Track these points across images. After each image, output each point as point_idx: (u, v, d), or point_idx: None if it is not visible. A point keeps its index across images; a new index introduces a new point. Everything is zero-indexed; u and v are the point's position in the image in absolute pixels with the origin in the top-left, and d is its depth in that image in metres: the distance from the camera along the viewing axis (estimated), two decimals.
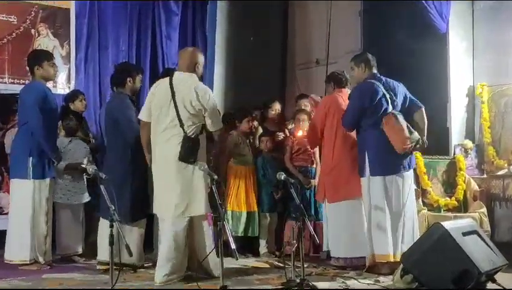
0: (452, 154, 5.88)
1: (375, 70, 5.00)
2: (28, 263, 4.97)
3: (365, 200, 4.91)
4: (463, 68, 6.14)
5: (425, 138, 4.94)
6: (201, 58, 4.69)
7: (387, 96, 4.86)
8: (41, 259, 5.00)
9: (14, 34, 6.29)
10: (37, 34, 6.42)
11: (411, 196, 4.86)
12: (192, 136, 4.45)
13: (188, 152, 4.41)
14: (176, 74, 4.60)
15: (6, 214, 6.04)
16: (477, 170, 5.91)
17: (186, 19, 7.54)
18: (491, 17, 6.06)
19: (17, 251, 5.00)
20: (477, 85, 6.08)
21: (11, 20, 6.28)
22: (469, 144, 5.95)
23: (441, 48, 6.10)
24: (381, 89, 4.85)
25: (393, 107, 4.86)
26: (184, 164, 4.42)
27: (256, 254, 5.89)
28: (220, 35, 7.63)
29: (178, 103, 4.44)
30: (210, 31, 7.58)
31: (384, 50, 6.54)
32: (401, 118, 4.78)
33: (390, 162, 4.78)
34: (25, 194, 4.99)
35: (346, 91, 5.31)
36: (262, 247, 6.01)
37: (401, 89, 5.01)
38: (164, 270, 4.35)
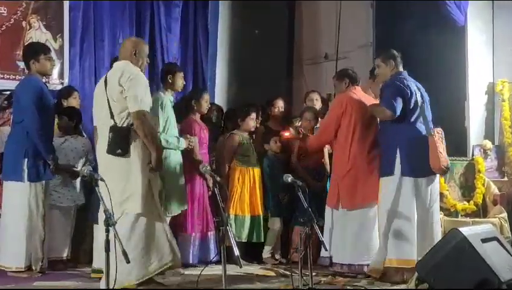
0: (470, 156, 5.87)
1: (401, 68, 5.06)
2: (23, 270, 4.96)
3: (385, 201, 4.89)
4: (482, 63, 6.13)
5: None
6: (141, 47, 4.52)
7: (419, 94, 4.93)
8: (35, 266, 5.00)
9: (4, 26, 6.29)
10: (28, 26, 6.42)
11: (437, 199, 4.92)
12: (123, 126, 4.27)
13: (115, 143, 4.23)
14: (114, 64, 4.54)
15: None
16: (497, 172, 5.90)
17: (188, 10, 7.55)
18: None
19: (13, 257, 4.99)
20: (498, 81, 6.07)
21: (0, 12, 6.29)
22: (488, 144, 5.93)
23: (459, 42, 6.10)
24: (413, 86, 4.94)
25: (425, 107, 4.94)
26: (116, 157, 4.24)
27: (261, 260, 5.90)
28: (222, 28, 7.66)
29: (108, 92, 4.32)
30: (212, 24, 7.60)
31: (397, 44, 6.49)
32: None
33: (423, 163, 4.81)
34: (20, 197, 4.99)
35: (359, 89, 5.31)
36: (266, 252, 6.01)
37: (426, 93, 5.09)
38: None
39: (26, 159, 4.99)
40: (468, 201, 5.54)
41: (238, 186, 5.89)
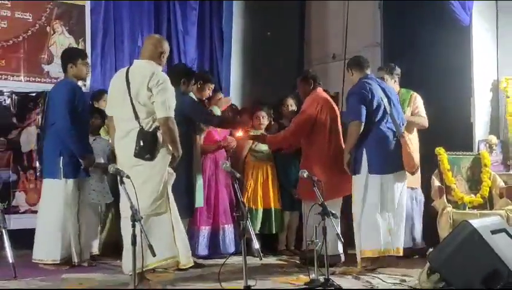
0: (476, 150, 5.83)
1: (368, 72, 5.21)
2: (59, 262, 5.00)
3: (356, 197, 5.05)
4: (487, 62, 6.08)
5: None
6: (166, 47, 4.40)
7: (384, 96, 5.05)
8: (76, 259, 5.05)
9: (29, 31, 6.33)
10: (52, 31, 6.46)
11: (404, 194, 5.11)
12: (150, 130, 4.17)
13: (144, 148, 4.13)
14: (135, 62, 4.38)
15: (23, 213, 6.13)
16: (502, 166, 5.86)
17: (204, 13, 7.57)
18: None
19: (49, 251, 5.02)
20: (502, 79, 6.01)
21: (26, 17, 6.32)
22: (494, 139, 5.89)
23: (464, 41, 6.04)
24: (377, 88, 5.05)
25: (391, 108, 5.04)
26: (141, 160, 4.15)
27: (275, 252, 5.90)
28: (236, 30, 7.66)
29: (132, 93, 4.17)
30: (226, 26, 7.59)
31: (405, 43, 6.51)
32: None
33: (389, 161, 4.97)
34: (57, 194, 5.03)
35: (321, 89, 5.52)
36: (281, 244, 6.03)
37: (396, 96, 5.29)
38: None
39: (61, 158, 5.03)
40: (475, 194, 5.49)
41: (252, 180, 5.91)
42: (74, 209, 5.07)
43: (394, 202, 5.02)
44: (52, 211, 5.05)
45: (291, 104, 6.28)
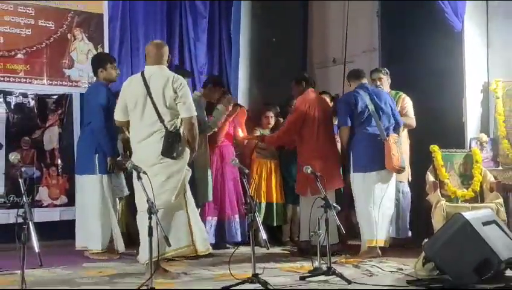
0: (468, 148, 5.82)
1: (363, 81, 5.47)
2: (100, 251, 5.09)
3: (353, 193, 5.34)
4: (478, 65, 6.05)
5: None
6: (167, 51, 4.42)
7: (371, 102, 5.25)
8: (119, 247, 5.16)
9: (51, 38, 6.33)
10: (73, 38, 6.47)
11: (390, 191, 5.29)
12: (175, 131, 4.21)
13: (171, 148, 4.18)
14: (149, 68, 4.32)
15: (47, 207, 6.17)
16: (492, 162, 5.84)
17: (214, 21, 7.57)
18: (505, 15, 5.97)
19: (92, 241, 5.13)
20: (492, 81, 6.00)
21: (49, 25, 6.34)
22: (484, 137, 5.88)
23: (456, 46, 6.02)
24: (365, 95, 5.27)
25: (378, 113, 5.24)
26: (167, 160, 4.17)
27: (279, 243, 5.93)
28: (244, 36, 7.65)
29: (154, 97, 4.18)
30: (234, 33, 7.60)
31: (401, 48, 6.51)
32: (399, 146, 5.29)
33: (372, 160, 5.18)
34: (94, 188, 5.12)
35: (313, 90, 5.61)
36: (285, 235, 6.06)
37: (389, 100, 5.45)
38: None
39: (97, 155, 5.11)
40: (467, 188, 5.48)
41: (257, 176, 5.93)
42: (110, 202, 5.15)
43: (379, 198, 5.17)
44: (91, 204, 5.14)
45: None
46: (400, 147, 5.29)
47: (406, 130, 5.76)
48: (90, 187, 5.15)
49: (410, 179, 5.82)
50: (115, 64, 5.42)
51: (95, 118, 5.11)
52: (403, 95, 5.83)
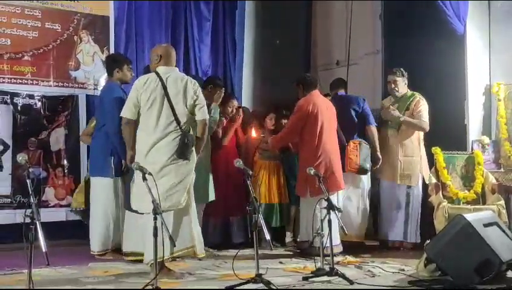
0: (470, 150, 5.82)
1: (339, 91, 5.93)
2: (102, 253, 5.08)
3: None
4: (480, 68, 6.07)
5: (378, 153, 5.70)
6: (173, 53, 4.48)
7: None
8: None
9: (58, 40, 6.36)
10: (79, 40, 6.49)
11: (350, 192, 5.69)
12: (189, 133, 4.25)
13: (186, 149, 4.21)
14: (162, 69, 4.32)
15: (53, 207, 6.20)
16: (494, 164, 5.84)
17: (218, 24, 7.59)
18: (507, 18, 5.98)
19: (101, 242, 5.10)
20: (494, 84, 6.01)
21: (55, 28, 6.36)
22: (486, 139, 5.89)
23: (459, 49, 6.03)
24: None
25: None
26: (178, 161, 4.20)
27: (283, 244, 5.93)
28: (248, 39, 7.68)
29: (172, 98, 4.20)
30: (238, 35, 7.62)
31: (404, 51, 6.51)
32: (364, 148, 5.56)
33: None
34: (107, 190, 5.08)
35: (317, 92, 5.59)
36: (288, 237, 6.06)
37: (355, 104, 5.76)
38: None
39: (112, 158, 5.04)
40: (469, 190, 5.49)
41: (258, 177, 5.91)
42: (120, 204, 5.09)
43: (341, 197, 5.52)
44: (100, 205, 5.12)
45: None
46: (360, 151, 5.51)
47: (420, 133, 5.71)
48: (101, 189, 5.11)
49: (419, 182, 5.72)
50: (131, 66, 5.39)
51: (110, 120, 4.94)
52: (418, 97, 5.75)
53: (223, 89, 5.59)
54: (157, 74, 4.30)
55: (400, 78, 5.77)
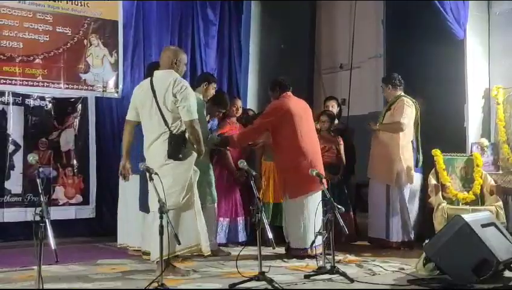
0: (469, 152, 5.83)
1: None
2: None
3: None
4: (479, 72, 6.07)
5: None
6: (182, 56, 4.37)
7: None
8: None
9: (68, 44, 6.44)
10: (89, 44, 6.56)
11: None
12: (179, 134, 4.21)
13: (176, 150, 4.17)
14: (156, 73, 4.34)
15: (63, 205, 6.26)
16: (492, 166, 5.84)
17: (223, 28, 7.64)
18: (507, 23, 5.98)
19: (135, 238, 5.13)
20: (493, 87, 6.01)
21: (66, 31, 6.44)
22: (485, 142, 5.89)
23: (459, 53, 6.04)
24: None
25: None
26: (174, 161, 4.18)
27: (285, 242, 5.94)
28: (253, 43, 7.70)
29: (159, 101, 4.20)
30: (244, 39, 7.65)
31: (405, 55, 6.53)
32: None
33: None
34: (136, 187, 5.00)
35: (291, 94, 5.30)
36: None
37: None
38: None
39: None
40: (468, 191, 5.49)
41: (265, 178, 5.94)
42: None
43: None
44: (133, 203, 5.12)
45: (332, 106, 6.44)
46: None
47: (405, 135, 5.64)
48: (135, 186, 5.01)
49: (403, 184, 5.65)
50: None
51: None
52: (401, 98, 5.75)
53: (215, 84, 5.51)
54: (151, 78, 4.35)
55: (384, 84, 5.91)
